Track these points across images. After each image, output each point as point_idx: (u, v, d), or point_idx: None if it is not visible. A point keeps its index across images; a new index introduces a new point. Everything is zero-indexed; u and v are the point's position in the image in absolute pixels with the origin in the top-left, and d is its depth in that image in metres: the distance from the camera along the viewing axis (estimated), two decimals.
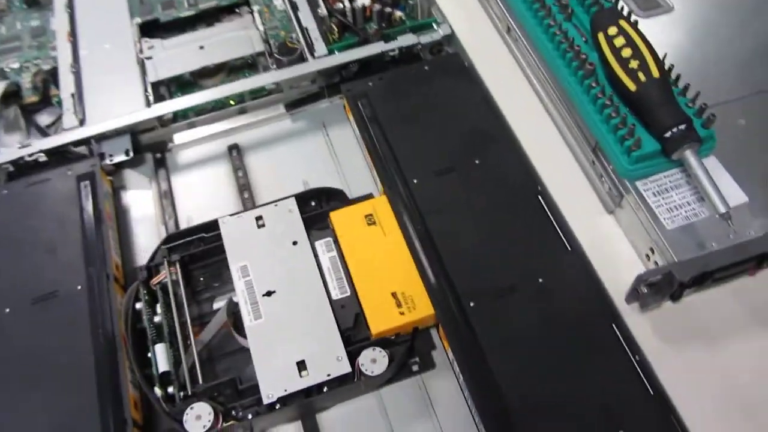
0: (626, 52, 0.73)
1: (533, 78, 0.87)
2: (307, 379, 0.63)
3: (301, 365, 0.64)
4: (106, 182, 0.83)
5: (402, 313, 0.68)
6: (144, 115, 0.86)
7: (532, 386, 0.62)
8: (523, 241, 0.71)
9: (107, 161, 0.85)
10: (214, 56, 0.95)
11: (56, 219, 0.76)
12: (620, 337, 0.64)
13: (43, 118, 0.95)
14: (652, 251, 0.71)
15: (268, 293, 0.69)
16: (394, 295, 0.69)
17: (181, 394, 0.65)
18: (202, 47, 0.96)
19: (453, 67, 0.89)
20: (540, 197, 0.73)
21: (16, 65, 0.98)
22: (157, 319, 0.70)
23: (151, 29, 1.00)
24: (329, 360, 0.64)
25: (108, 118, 0.85)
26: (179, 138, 0.91)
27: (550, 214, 0.72)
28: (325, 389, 0.64)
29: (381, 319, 0.68)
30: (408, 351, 0.68)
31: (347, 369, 0.64)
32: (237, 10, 1.03)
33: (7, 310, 0.70)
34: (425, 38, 0.92)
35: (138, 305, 0.70)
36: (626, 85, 0.72)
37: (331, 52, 0.90)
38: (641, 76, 0.71)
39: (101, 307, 0.69)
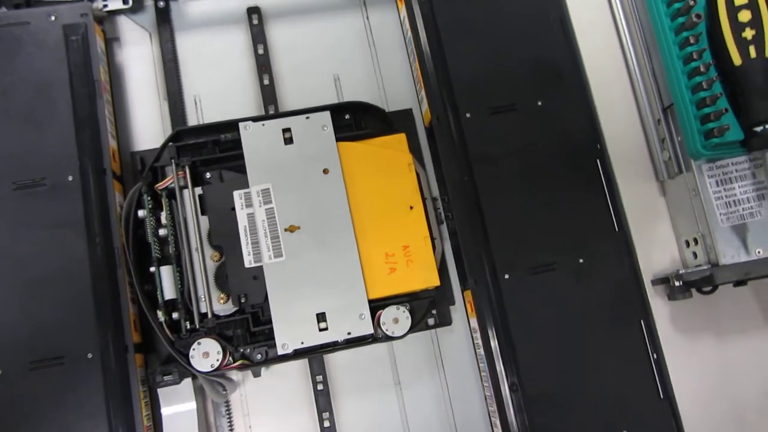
0: (744, 16, 0.62)
1: (620, 2, 0.75)
2: (326, 335, 0.60)
3: (321, 317, 0.60)
4: (100, 37, 0.68)
5: (403, 279, 0.62)
6: None
7: (548, 370, 0.61)
8: (573, 211, 0.64)
9: (99, 5, 0.69)
10: None
11: (38, 82, 0.63)
12: (645, 335, 0.62)
13: None
14: (696, 242, 0.67)
15: (291, 228, 0.62)
16: (397, 254, 0.63)
17: (188, 324, 0.60)
18: None
19: None
20: (599, 161, 0.66)
21: None
22: (162, 231, 0.62)
23: None
24: (351, 316, 0.60)
25: None
26: None
27: (605, 184, 0.65)
28: (341, 342, 0.61)
29: (379, 282, 0.62)
30: (430, 306, 0.65)
31: (369, 330, 0.60)
32: None
33: None
34: None
35: (141, 213, 0.62)
36: (731, 57, 0.62)
37: None
38: (752, 50, 0.62)
39: (99, 208, 0.60)
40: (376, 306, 0.62)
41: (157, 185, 0.63)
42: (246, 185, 0.62)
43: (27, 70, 0.63)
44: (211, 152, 0.65)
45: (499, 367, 0.60)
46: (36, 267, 0.58)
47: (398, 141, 0.66)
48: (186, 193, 0.63)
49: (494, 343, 0.61)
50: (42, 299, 0.58)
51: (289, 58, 0.74)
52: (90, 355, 0.57)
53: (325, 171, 0.64)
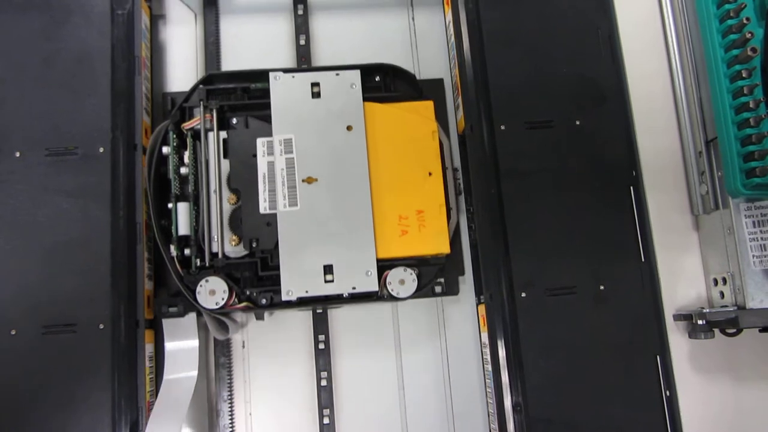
0: None
1: (673, 28, 0.71)
2: (331, 287, 0.60)
3: (328, 269, 0.61)
4: (146, 13, 0.68)
5: (414, 243, 0.62)
6: None
7: (555, 395, 0.59)
8: (599, 236, 0.63)
9: None
10: None
11: (81, 52, 0.63)
12: (660, 371, 0.60)
13: None
14: (724, 281, 0.65)
15: (309, 179, 0.63)
16: (410, 218, 0.63)
17: (198, 261, 0.62)
18: None
19: None
20: (632, 188, 0.63)
21: None
22: (183, 170, 0.63)
23: None
24: (358, 272, 0.61)
25: None
26: None
27: (636, 213, 0.63)
28: (345, 296, 0.62)
29: (390, 243, 0.62)
30: (438, 273, 0.65)
31: (374, 287, 0.61)
32: None
33: (18, 154, 0.61)
34: None
35: (165, 149, 0.63)
36: None
37: None
38: None
39: (126, 182, 0.61)
40: (384, 266, 0.62)
41: (184, 124, 0.64)
42: (270, 134, 0.63)
43: (71, 39, 0.64)
44: (240, 99, 0.66)
45: (506, 385, 0.59)
46: (58, 234, 0.59)
47: (425, 107, 0.66)
48: (211, 135, 0.64)
49: (503, 361, 0.60)
50: (60, 266, 0.59)
51: (329, 51, 0.74)
52: (102, 326, 0.58)
53: (349, 128, 0.64)
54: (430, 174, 0.64)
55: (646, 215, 0.63)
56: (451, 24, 0.68)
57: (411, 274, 0.62)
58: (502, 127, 0.64)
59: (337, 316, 0.68)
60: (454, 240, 0.66)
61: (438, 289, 0.67)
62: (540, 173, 0.63)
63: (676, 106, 0.70)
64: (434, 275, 0.65)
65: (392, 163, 0.64)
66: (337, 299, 0.62)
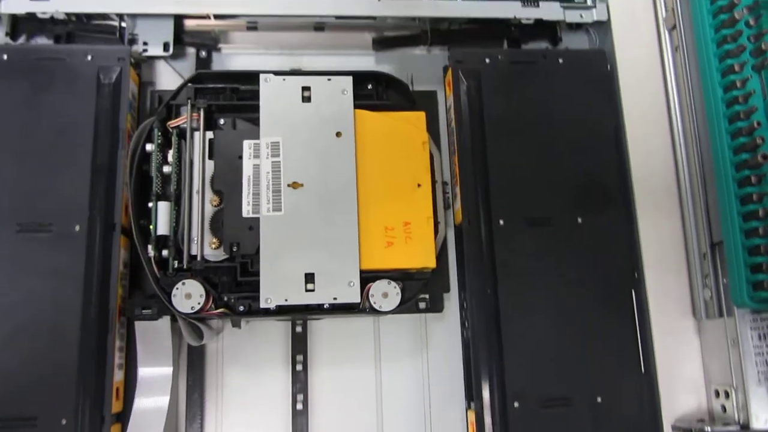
0: None
1: (680, 125, 0.67)
2: (312, 296, 0.58)
3: (309, 278, 0.59)
4: (134, 81, 0.65)
5: (399, 255, 0.61)
6: (198, 8, 0.67)
7: None
8: (598, 344, 0.61)
9: (139, 49, 0.67)
10: None
11: (62, 122, 0.60)
12: None
13: None
14: (726, 394, 0.61)
15: (295, 184, 0.61)
16: (397, 229, 0.61)
17: (176, 262, 0.60)
18: None
19: (593, 69, 0.68)
20: (634, 291, 0.62)
21: None
22: (166, 168, 0.61)
23: None
24: (340, 282, 0.59)
25: None
26: (234, 38, 0.72)
27: (637, 319, 0.61)
28: (326, 306, 0.60)
29: (374, 254, 0.60)
30: (422, 288, 0.63)
31: (356, 299, 0.59)
32: None
33: None
34: (572, 15, 0.71)
35: (149, 146, 0.62)
36: None
37: None
38: None
39: (101, 265, 0.58)
40: (368, 278, 0.60)
41: (169, 122, 0.62)
42: (257, 137, 0.62)
43: (53, 108, 0.61)
44: (229, 99, 0.64)
45: None
46: (24, 317, 0.56)
47: (417, 118, 0.65)
48: (197, 135, 0.62)
49: None
50: (24, 352, 0.55)
51: None
52: (64, 421, 0.54)
53: (338, 134, 0.62)
54: (419, 185, 0.63)
55: (647, 321, 0.61)
56: (452, 109, 0.66)
57: (395, 287, 0.60)
58: (501, 222, 0.62)
59: (316, 329, 0.66)
60: (441, 255, 0.65)
61: (422, 305, 0.64)
62: (538, 273, 0.61)
63: (681, 205, 0.66)
64: (418, 290, 0.63)
65: (381, 172, 0.63)
66: (318, 310, 0.60)
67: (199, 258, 0.59)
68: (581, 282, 0.61)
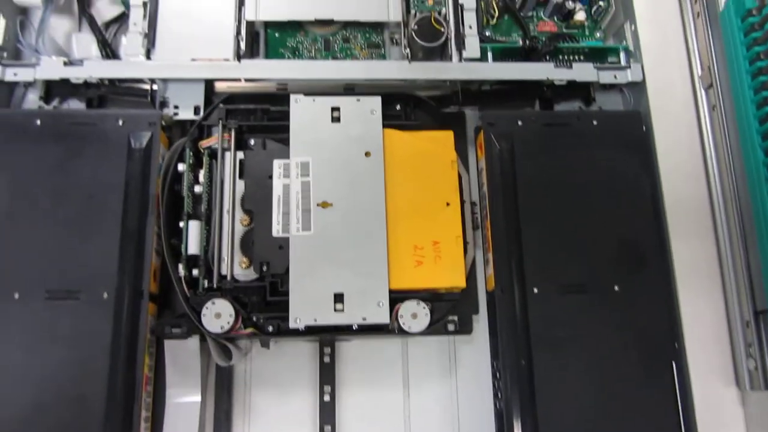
0: None
1: (719, 188, 0.64)
2: (341, 317, 0.58)
3: (338, 298, 0.58)
4: (164, 144, 0.64)
5: (428, 274, 0.60)
6: (229, 73, 0.66)
7: None
8: (638, 418, 0.57)
9: (170, 113, 0.66)
10: (336, 8, 0.70)
11: (92, 188, 0.60)
12: None
13: (102, 5, 0.72)
14: None
15: (324, 204, 0.61)
16: (426, 249, 0.61)
17: (206, 282, 0.60)
18: None
19: (628, 130, 0.66)
20: (674, 363, 0.59)
21: None
22: (197, 188, 0.62)
23: None
24: (369, 302, 0.58)
25: (181, 55, 0.65)
26: None
27: (678, 392, 0.58)
28: (355, 327, 0.59)
29: (404, 274, 0.60)
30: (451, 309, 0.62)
31: (385, 319, 0.58)
32: None
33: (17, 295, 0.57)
34: (606, 76, 0.69)
35: (181, 166, 0.62)
36: None
37: (483, 50, 0.68)
38: None
39: (129, 333, 0.57)
40: (396, 298, 0.60)
41: (201, 142, 0.63)
42: (287, 156, 0.62)
43: (84, 173, 0.60)
44: (259, 119, 0.65)
45: None
46: (50, 388, 0.55)
47: (445, 137, 0.65)
48: (228, 155, 0.63)
49: None
50: (49, 421, 0.54)
51: None
52: None
53: (367, 154, 0.63)
54: (447, 204, 0.62)
55: (689, 393, 0.59)
56: (484, 172, 0.65)
57: (424, 308, 0.60)
58: (535, 291, 0.60)
59: (344, 352, 0.65)
60: (470, 277, 0.64)
61: (451, 327, 0.63)
62: (574, 342, 0.59)
63: (722, 271, 0.63)
64: (448, 311, 0.62)
65: (410, 191, 0.62)
66: (346, 330, 0.59)
67: (229, 277, 0.60)
68: (619, 352, 0.59)
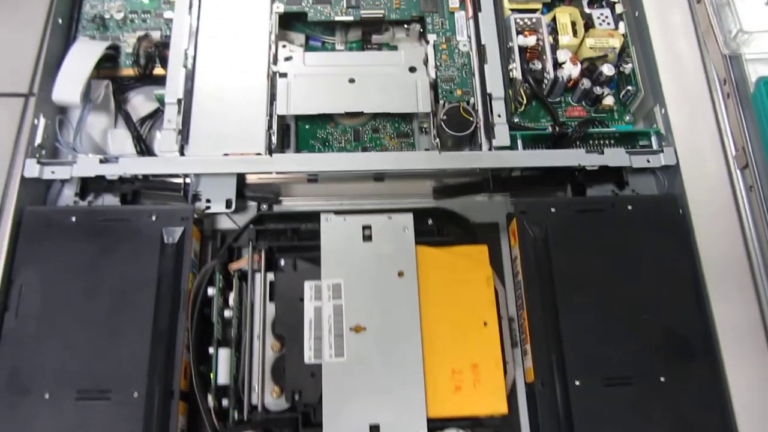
0: None
1: (761, 262, 0.63)
2: None
3: (374, 430, 0.56)
4: (196, 238, 0.65)
5: (468, 401, 0.58)
6: (260, 167, 0.67)
7: None
8: None
9: (202, 206, 0.68)
10: (366, 100, 0.71)
11: (125, 284, 0.60)
12: None
13: (137, 102, 0.75)
14: None
15: (357, 328, 0.59)
16: (464, 372, 0.58)
17: (236, 413, 0.57)
18: (352, 80, 0.71)
19: (665, 214, 0.65)
20: None
21: (119, 15, 0.76)
22: (227, 313, 0.61)
23: (291, 21, 0.78)
24: None
25: (214, 150, 0.66)
26: (295, 190, 0.72)
27: None
28: None
29: (442, 401, 0.57)
30: None
31: None
32: (406, 26, 0.78)
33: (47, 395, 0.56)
34: (639, 160, 0.68)
35: (210, 291, 0.61)
36: None
37: (512, 137, 0.68)
38: None
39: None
40: (435, 426, 0.57)
41: (231, 265, 0.62)
42: (318, 277, 0.61)
43: (117, 269, 0.60)
44: (290, 240, 0.64)
45: None
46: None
47: (479, 252, 0.64)
48: (258, 277, 0.62)
49: None
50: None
51: None
52: None
53: (400, 274, 0.61)
54: (485, 324, 0.60)
55: None
56: (518, 261, 0.64)
57: None
58: (577, 383, 0.58)
59: None
60: (510, 399, 0.61)
61: None
62: None
63: None
64: None
65: (445, 311, 0.61)
66: None
67: (259, 408, 0.57)
68: None
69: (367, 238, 0.63)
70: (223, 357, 0.59)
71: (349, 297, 0.60)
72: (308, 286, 0.61)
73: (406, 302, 0.60)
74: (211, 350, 0.59)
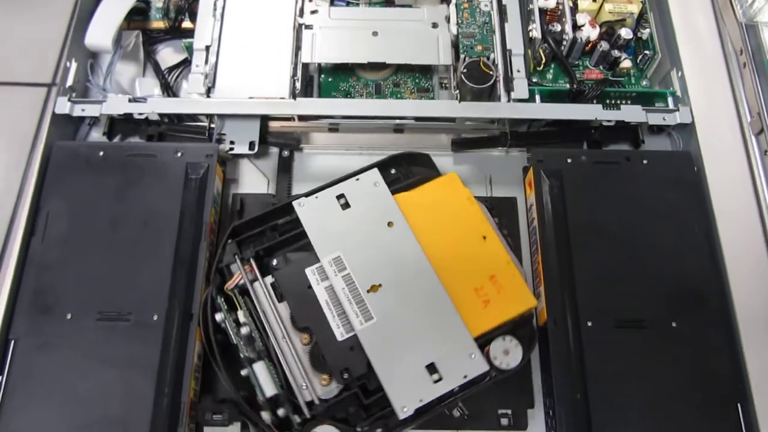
0: None
1: None
2: (443, 385, 0.55)
3: (432, 368, 0.55)
4: (219, 177, 0.66)
5: (499, 309, 0.58)
6: (284, 109, 0.69)
7: None
8: None
9: (226, 147, 0.69)
10: (388, 52, 0.72)
11: (149, 215, 0.62)
12: None
13: (165, 54, 0.77)
14: None
15: (373, 288, 0.59)
16: (486, 287, 0.59)
17: (297, 417, 0.56)
18: (375, 33, 0.73)
19: (680, 171, 0.66)
20: (740, 406, 0.56)
21: None
22: (244, 330, 0.58)
23: None
24: (462, 359, 0.56)
25: (240, 94, 0.68)
26: (316, 139, 0.74)
27: None
28: (455, 390, 0.56)
29: (478, 319, 0.58)
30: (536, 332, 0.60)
31: (485, 367, 0.55)
32: None
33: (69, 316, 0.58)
34: (655, 117, 0.69)
35: (218, 317, 0.58)
36: None
37: (531, 92, 0.69)
38: None
39: (176, 355, 0.57)
40: (481, 344, 0.57)
41: (226, 285, 0.60)
42: (315, 261, 0.60)
43: (141, 201, 0.62)
44: (272, 238, 0.62)
45: None
46: (95, 409, 0.55)
47: (451, 179, 0.64)
48: (257, 285, 0.60)
49: None
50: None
51: None
52: None
53: (390, 224, 0.61)
54: (484, 238, 0.61)
55: None
56: (534, 207, 0.65)
57: (511, 340, 0.57)
58: (589, 324, 0.58)
59: None
60: (524, 369, 0.61)
61: (504, 421, 0.60)
62: (632, 380, 0.57)
63: None
64: (534, 336, 0.59)
65: (445, 241, 0.61)
66: (450, 396, 0.56)
67: (316, 401, 0.56)
68: (680, 391, 0.56)
69: (345, 205, 0.62)
70: (260, 370, 0.57)
71: (352, 264, 0.59)
72: (310, 272, 0.60)
73: (406, 248, 0.60)
74: (244, 372, 0.57)
